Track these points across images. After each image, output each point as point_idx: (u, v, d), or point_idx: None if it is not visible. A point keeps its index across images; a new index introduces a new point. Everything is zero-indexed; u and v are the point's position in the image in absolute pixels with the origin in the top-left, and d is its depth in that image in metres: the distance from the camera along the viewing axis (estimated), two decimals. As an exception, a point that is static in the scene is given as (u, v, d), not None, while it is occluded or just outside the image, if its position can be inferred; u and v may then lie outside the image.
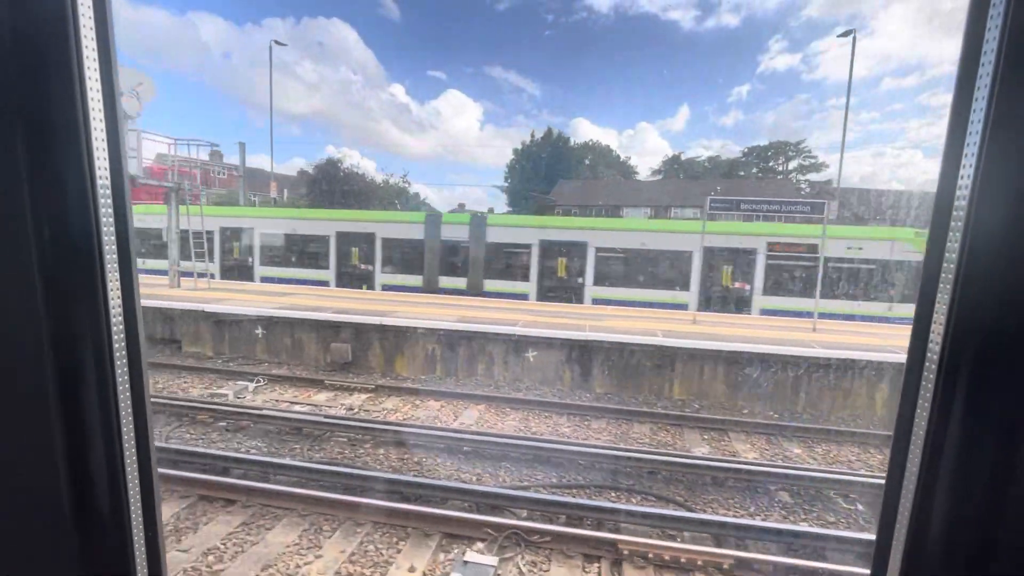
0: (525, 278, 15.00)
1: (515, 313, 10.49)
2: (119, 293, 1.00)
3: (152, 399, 6.29)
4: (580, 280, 14.66)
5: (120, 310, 1.01)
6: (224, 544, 3.87)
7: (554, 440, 5.97)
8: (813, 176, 51.89)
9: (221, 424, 6.23)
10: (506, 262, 15.42)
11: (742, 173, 56.08)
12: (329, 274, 16.29)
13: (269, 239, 16.99)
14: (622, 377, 8.15)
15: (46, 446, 0.99)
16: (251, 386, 7.62)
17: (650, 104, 73.88)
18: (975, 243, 0.79)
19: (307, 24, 66.99)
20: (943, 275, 0.84)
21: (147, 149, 10.90)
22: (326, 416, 6.41)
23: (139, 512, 1.10)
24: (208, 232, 14.51)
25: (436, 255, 15.62)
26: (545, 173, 52.17)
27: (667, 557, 3.78)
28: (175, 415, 6.37)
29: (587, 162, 57.92)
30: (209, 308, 9.34)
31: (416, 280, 15.61)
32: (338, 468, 4.95)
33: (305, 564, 3.67)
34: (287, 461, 5.08)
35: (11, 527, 1.04)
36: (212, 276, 11.95)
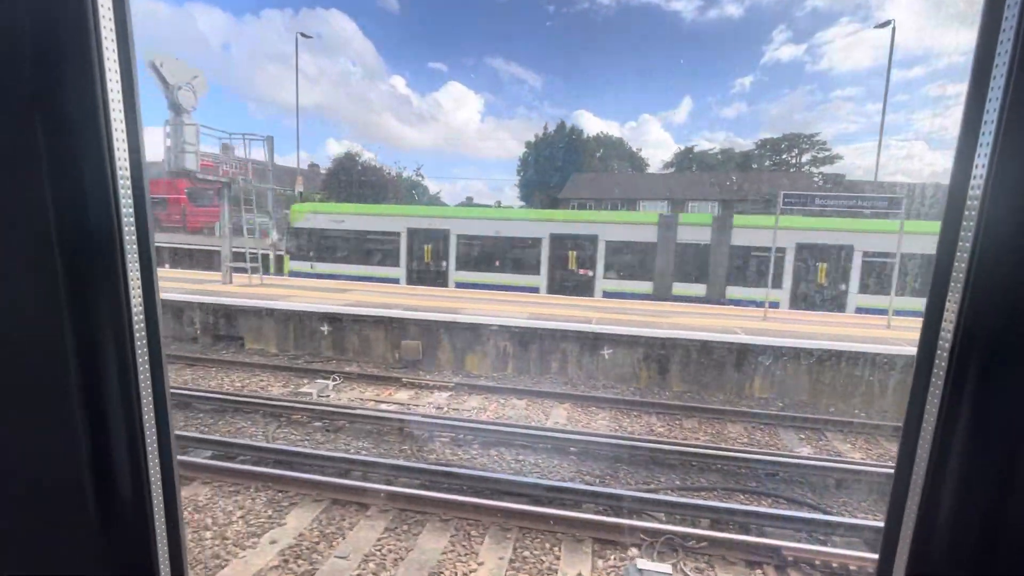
0: (778, 284, 13.36)
1: (588, 311, 10.39)
2: (139, 284, 1.00)
3: (239, 398, 6.19)
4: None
5: (140, 301, 1.01)
6: (378, 550, 3.79)
7: (657, 440, 5.88)
8: (826, 168, 51.57)
9: (317, 424, 6.16)
10: (756, 267, 13.97)
11: (755, 166, 55.73)
12: (539, 280, 15.43)
13: (468, 241, 15.85)
14: (699, 375, 8.05)
15: (68, 440, 0.99)
16: (331, 384, 7.55)
17: (652, 96, 73.17)
18: (988, 237, 0.78)
19: (305, 15, 66.19)
20: (955, 271, 0.83)
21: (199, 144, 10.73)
22: (423, 416, 6.33)
23: (161, 505, 1.10)
24: (388, 233, 14.28)
25: (670, 259, 14.49)
26: (559, 166, 51.85)
27: (835, 564, 3.69)
28: (270, 415, 6.30)
29: (598, 155, 57.59)
30: (276, 305, 9.26)
31: (644, 287, 14.76)
32: (459, 471, 4.87)
33: (471, 572, 3.59)
34: (403, 463, 5.01)
35: (32, 522, 1.05)
36: (260, 271, 11.81)
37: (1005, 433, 0.81)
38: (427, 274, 15.99)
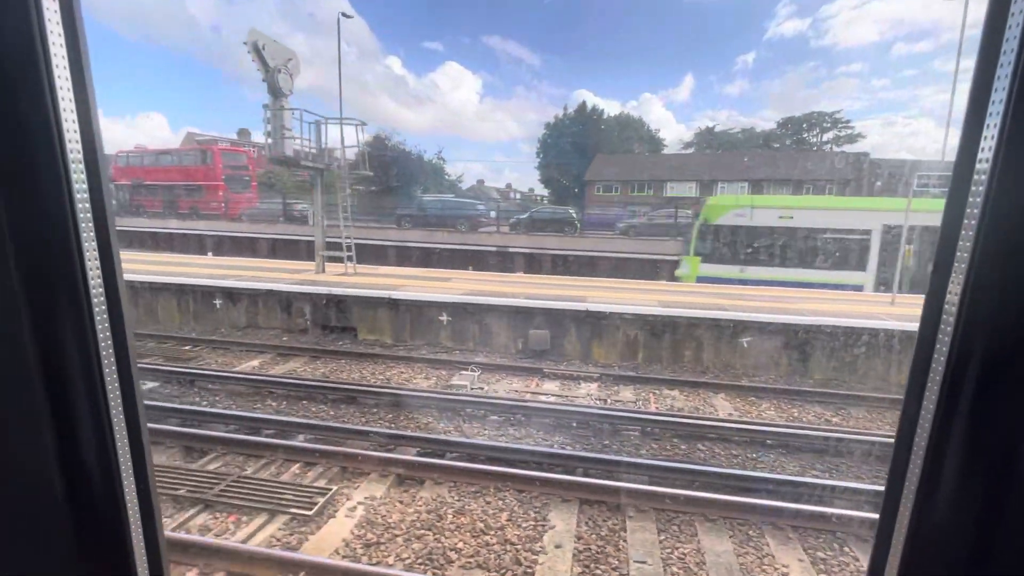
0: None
1: (719, 298, 10.18)
2: (99, 273, 0.97)
3: (397, 391, 6.06)
4: None
5: (100, 283, 0.98)
6: (671, 553, 3.66)
7: (857, 432, 5.73)
8: (848, 147, 50.74)
9: (494, 418, 6.01)
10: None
11: (777, 145, 54.92)
12: None
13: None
14: (842, 362, 7.87)
15: (32, 436, 0.97)
16: (476, 376, 7.39)
17: (653, 74, 71.63)
18: (994, 219, 0.74)
19: (297, -6, 64.30)
20: (957, 260, 0.80)
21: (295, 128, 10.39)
22: (604, 408, 6.18)
23: (135, 497, 1.07)
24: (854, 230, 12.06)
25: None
26: (580, 147, 51.04)
27: None
28: (448, 410, 6.15)
29: (617, 135, 56.62)
30: (396, 295, 9.06)
31: None
32: (699, 467, 4.72)
33: (789, 576, 3.46)
34: (628, 459, 4.86)
35: (6, 534, 1.03)
36: (354, 260, 11.58)
37: (1004, 430, 0.78)
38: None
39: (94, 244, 0.96)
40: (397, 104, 77.44)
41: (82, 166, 0.93)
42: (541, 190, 55.14)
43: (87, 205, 0.94)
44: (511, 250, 17.69)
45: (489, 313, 8.81)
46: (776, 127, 58.71)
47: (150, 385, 6.65)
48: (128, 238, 22.71)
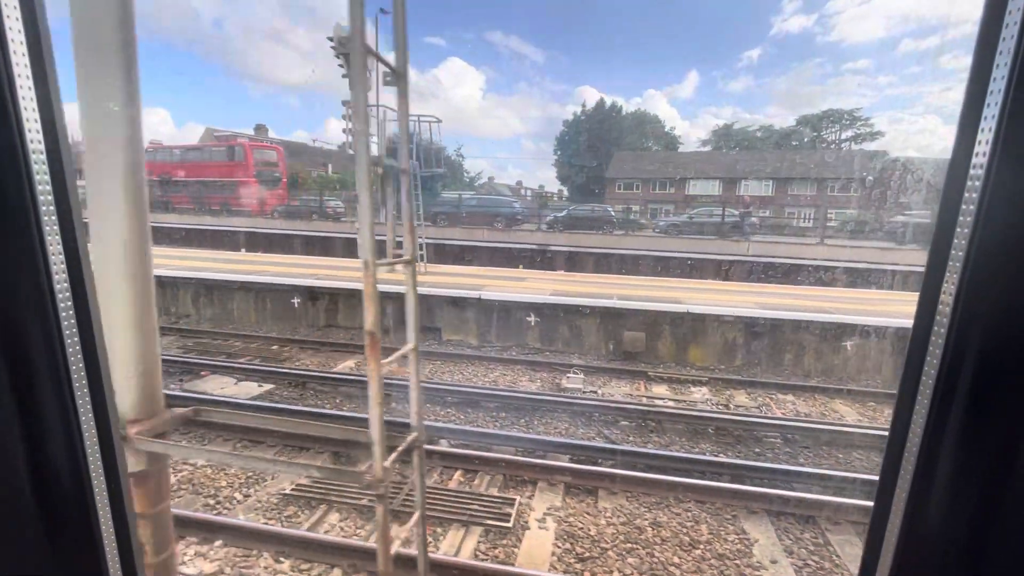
0: None
1: (818, 300, 10.02)
2: (62, 259, 0.95)
3: (514, 395, 5.95)
4: None
5: (65, 278, 0.95)
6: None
7: None
8: (867, 145, 50.35)
9: (625, 423, 5.88)
10: None
11: (796, 143, 54.58)
12: None
13: None
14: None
15: (2, 452, 0.95)
16: (581, 378, 7.26)
17: (658, 71, 71.03)
18: (989, 218, 0.73)
19: (298, -13, 64.15)
20: (951, 258, 0.79)
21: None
22: (731, 414, 6.04)
23: (104, 495, 1.06)
24: None
25: None
26: (598, 145, 50.77)
27: None
28: (579, 415, 6.03)
29: (632, 132, 56.28)
30: (485, 296, 8.93)
31: None
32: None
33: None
34: (795, 468, 4.72)
35: None
36: (424, 260, 11.45)
37: (998, 431, 0.77)
38: None
39: (59, 245, 0.93)
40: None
41: (44, 158, 0.89)
42: (555, 187, 54.87)
43: (49, 197, 0.91)
44: (559, 249, 17.52)
45: (578, 314, 8.68)
46: (795, 124, 58.34)
47: (267, 387, 6.54)
48: (166, 234, 22.63)
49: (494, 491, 4.33)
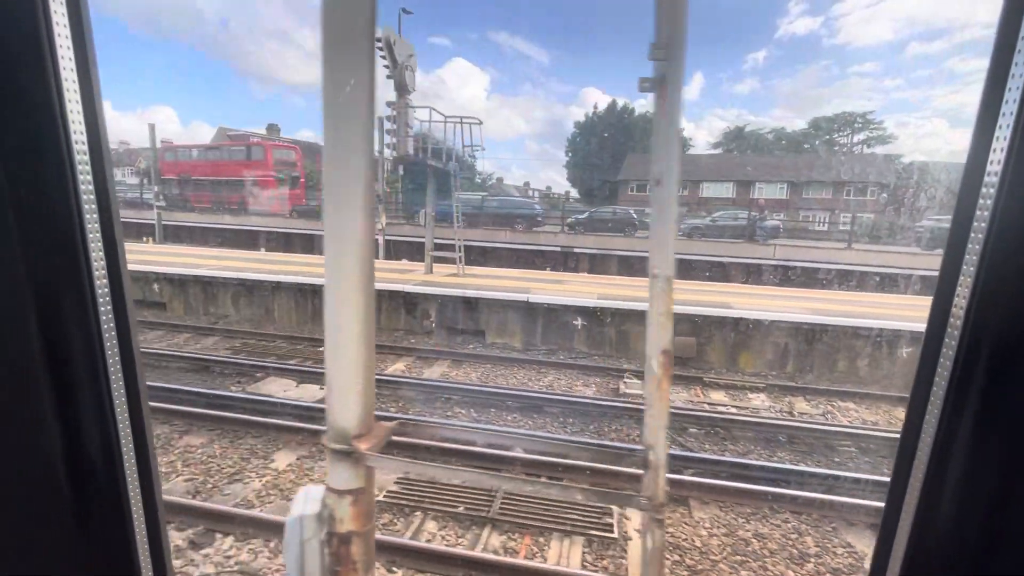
0: None
1: (872, 307, 9.92)
2: (104, 264, 0.98)
3: (576, 400, 5.92)
4: None
5: (106, 283, 0.98)
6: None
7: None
8: (879, 148, 50.08)
9: (695, 430, 5.80)
10: None
11: (807, 146, 54.40)
12: None
13: None
14: None
15: (36, 435, 0.98)
16: (637, 383, 7.19)
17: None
18: (1005, 223, 0.71)
19: (303, -15, 64.31)
20: (965, 262, 0.77)
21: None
22: (797, 421, 5.95)
23: (138, 496, 1.08)
24: None
25: None
26: (611, 147, 50.69)
27: None
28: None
29: (645, 134, 56.13)
30: (534, 299, 8.87)
31: None
32: None
33: None
34: (882, 478, 4.64)
35: (10, 526, 1.04)
36: (463, 261, 11.39)
37: (1009, 436, 0.77)
38: None
39: (99, 237, 0.96)
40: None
41: (87, 159, 0.93)
42: (562, 188, 54.79)
43: (92, 198, 0.94)
44: (585, 251, 17.46)
45: (627, 318, 8.60)
46: (806, 127, 58.14)
47: None
48: (189, 233, 22.70)
49: (576, 496, 4.27)
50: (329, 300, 1.63)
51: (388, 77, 9.46)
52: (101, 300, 0.98)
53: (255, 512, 3.81)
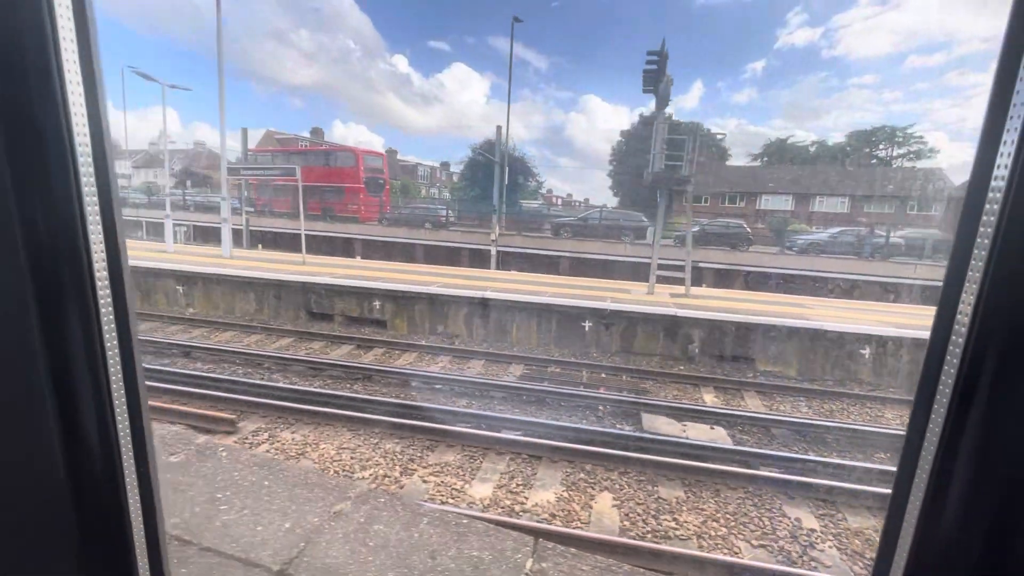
0: None
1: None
2: (104, 262, 0.99)
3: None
4: None
5: (108, 293, 0.99)
6: None
7: None
8: (921, 163, 50.25)
9: None
10: None
11: (848, 160, 54.61)
12: None
13: None
14: None
15: (39, 443, 0.99)
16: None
17: None
18: (1009, 236, 0.72)
19: (303, -13, 64.09)
20: (971, 269, 0.78)
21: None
22: None
23: (136, 488, 1.08)
24: None
25: None
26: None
27: None
28: None
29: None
30: (821, 326, 8.61)
31: None
32: None
33: None
34: None
35: (9, 527, 1.04)
36: (689, 282, 11.12)
37: (1013, 445, 0.77)
38: None
39: (101, 236, 0.96)
40: (404, 104, 77.04)
41: (90, 159, 0.94)
42: (610, 198, 54.65)
43: (94, 198, 0.95)
44: (720, 267, 17.24)
45: (918, 347, 8.35)
46: (845, 140, 58.47)
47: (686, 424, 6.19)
48: (275, 239, 22.34)
49: None
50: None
51: (644, 91, 9.22)
52: (102, 299, 0.99)
53: None
